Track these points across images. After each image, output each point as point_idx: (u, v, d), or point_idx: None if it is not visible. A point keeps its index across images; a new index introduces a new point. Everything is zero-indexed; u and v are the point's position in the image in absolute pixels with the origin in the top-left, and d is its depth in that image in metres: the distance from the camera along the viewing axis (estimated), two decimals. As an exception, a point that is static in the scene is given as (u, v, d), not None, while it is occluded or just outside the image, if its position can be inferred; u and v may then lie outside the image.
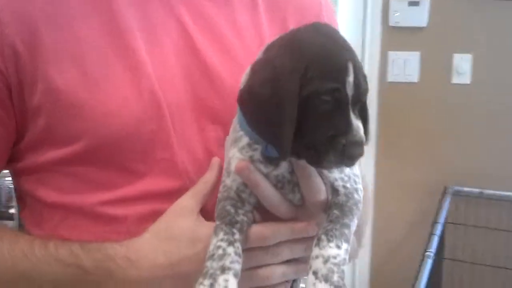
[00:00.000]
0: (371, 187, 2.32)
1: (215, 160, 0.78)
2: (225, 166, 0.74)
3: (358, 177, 0.72)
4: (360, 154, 0.63)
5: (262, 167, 0.70)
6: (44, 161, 0.79)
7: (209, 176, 0.77)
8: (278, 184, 0.71)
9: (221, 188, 0.73)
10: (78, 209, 0.79)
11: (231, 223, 0.68)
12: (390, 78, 2.42)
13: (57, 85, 0.74)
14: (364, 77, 0.66)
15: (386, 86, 2.43)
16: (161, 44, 0.79)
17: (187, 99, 0.78)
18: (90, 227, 0.79)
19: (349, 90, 0.63)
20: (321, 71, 0.63)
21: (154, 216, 0.76)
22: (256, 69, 0.67)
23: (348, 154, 0.63)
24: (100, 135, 0.76)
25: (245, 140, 0.69)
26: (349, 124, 0.63)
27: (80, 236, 0.78)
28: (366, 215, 0.86)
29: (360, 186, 0.72)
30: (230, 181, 0.71)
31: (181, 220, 0.74)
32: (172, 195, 0.77)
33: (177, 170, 0.79)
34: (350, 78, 0.63)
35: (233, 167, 0.71)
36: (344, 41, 0.67)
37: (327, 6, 0.95)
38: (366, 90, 0.66)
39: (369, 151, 2.26)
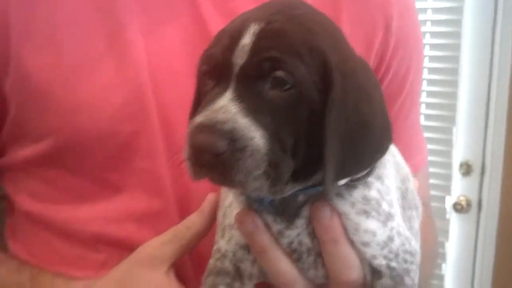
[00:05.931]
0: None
1: (211, 198, 0.60)
2: (219, 219, 0.56)
3: (412, 254, 0.53)
4: (206, 145, 0.42)
5: (270, 220, 0.52)
6: (17, 159, 0.69)
7: (196, 220, 0.60)
8: (294, 255, 0.52)
9: (213, 250, 0.56)
10: (51, 223, 0.68)
11: None
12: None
13: (27, 68, 0.64)
14: (291, 46, 0.45)
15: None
16: (163, 28, 0.66)
17: (187, 98, 0.62)
18: (62, 249, 0.68)
19: (238, 57, 0.44)
20: (216, 36, 0.49)
21: (128, 245, 0.61)
22: None
23: (190, 144, 0.44)
24: (67, 132, 0.64)
25: None
26: (209, 102, 0.45)
27: (50, 258, 0.68)
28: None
29: (414, 267, 0.53)
30: (224, 243, 0.54)
31: (148, 272, 0.59)
32: (150, 218, 0.63)
33: (159, 186, 0.64)
34: (244, 41, 0.44)
35: (229, 220, 0.54)
36: (293, 9, 0.48)
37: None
38: (279, 61, 0.44)
39: (497, 168, 2.03)
